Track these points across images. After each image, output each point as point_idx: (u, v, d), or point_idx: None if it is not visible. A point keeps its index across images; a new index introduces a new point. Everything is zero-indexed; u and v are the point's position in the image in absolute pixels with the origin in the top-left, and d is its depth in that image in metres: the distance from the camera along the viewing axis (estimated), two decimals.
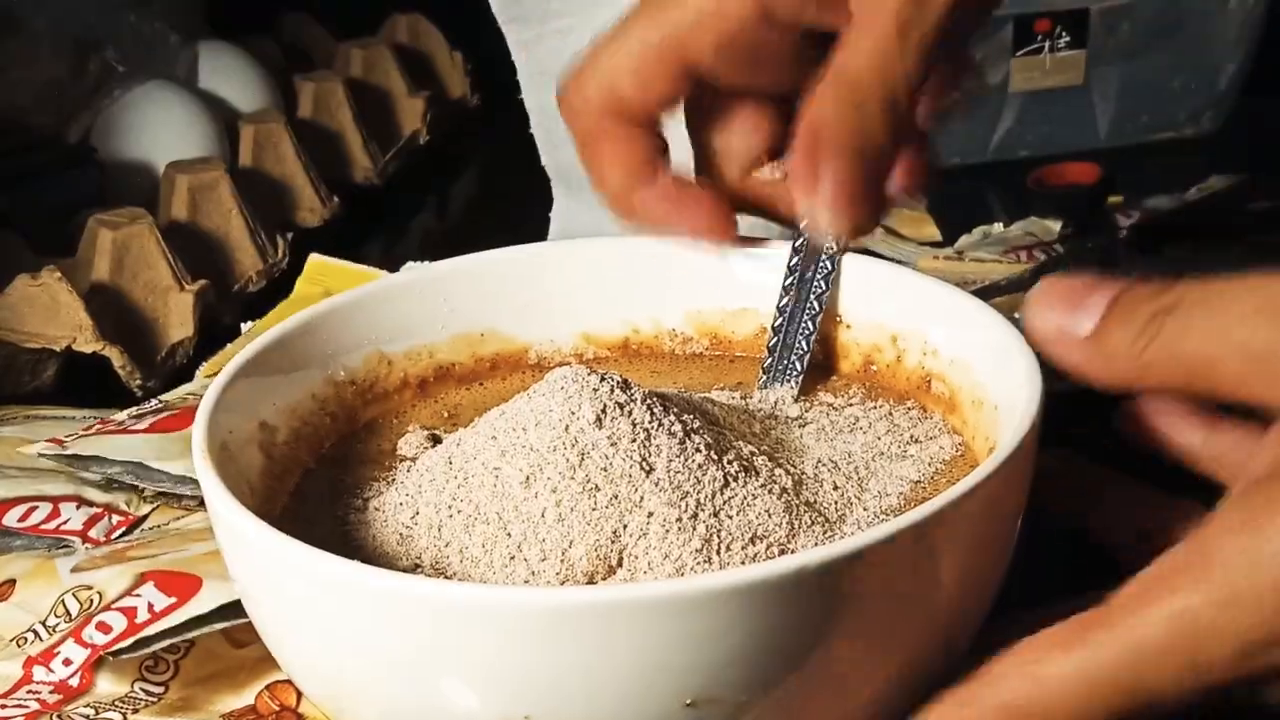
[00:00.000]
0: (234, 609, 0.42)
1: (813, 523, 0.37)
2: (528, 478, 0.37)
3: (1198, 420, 0.38)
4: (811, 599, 0.32)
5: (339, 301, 0.45)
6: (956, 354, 0.42)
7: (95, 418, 0.58)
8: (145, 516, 0.52)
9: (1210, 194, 0.77)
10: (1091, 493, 0.41)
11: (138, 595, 0.44)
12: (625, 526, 0.36)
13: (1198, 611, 0.31)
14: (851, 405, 0.44)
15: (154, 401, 0.58)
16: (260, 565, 0.36)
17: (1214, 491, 0.38)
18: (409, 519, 0.39)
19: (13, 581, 0.48)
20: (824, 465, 0.40)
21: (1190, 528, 0.38)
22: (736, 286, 0.47)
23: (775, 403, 0.44)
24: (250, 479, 0.40)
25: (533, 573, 0.36)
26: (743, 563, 0.36)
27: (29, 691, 0.43)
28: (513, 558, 0.36)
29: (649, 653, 0.31)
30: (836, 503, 0.39)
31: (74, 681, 0.43)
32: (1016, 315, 0.65)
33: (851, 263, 0.46)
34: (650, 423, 0.38)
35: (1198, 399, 0.36)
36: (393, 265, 0.74)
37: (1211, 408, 0.38)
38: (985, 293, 0.67)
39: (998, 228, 0.77)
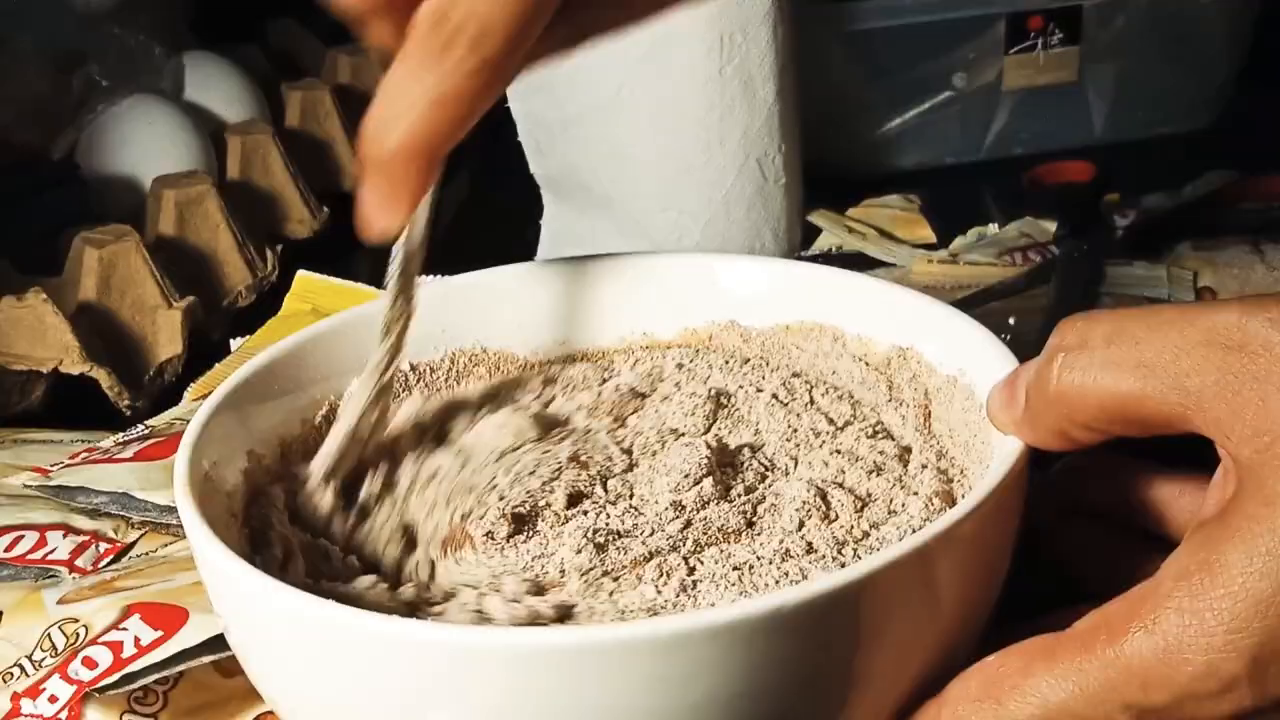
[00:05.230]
0: (221, 642, 0.42)
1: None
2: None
3: (1171, 479, 0.37)
4: (798, 635, 0.31)
5: (326, 326, 0.45)
6: (950, 373, 0.42)
7: (83, 440, 0.58)
8: (133, 544, 0.51)
9: (1206, 191, 0.77)
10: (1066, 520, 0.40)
11: (124, 629, 0.44)
12: None
13: (1145, 658, 0.31)
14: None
15: (140, 427, 0.57)
16: (242, 603, 0.35)
17: None
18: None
19: None
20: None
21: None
22: (727, 300, 0.47)
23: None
24: (235, 511, 0.40)
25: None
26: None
27: None
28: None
29: (650, 692, 0.31)
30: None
31: (62, 717, 0.43)
32: (1012, 321, 0.65)
33: (844, 279, 0.45)
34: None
35: (1125, 437, 0.34)
36: (383, 277, 0.73)
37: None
38: (980, 298, 0.67)
39: (993, 229, 0.76)
